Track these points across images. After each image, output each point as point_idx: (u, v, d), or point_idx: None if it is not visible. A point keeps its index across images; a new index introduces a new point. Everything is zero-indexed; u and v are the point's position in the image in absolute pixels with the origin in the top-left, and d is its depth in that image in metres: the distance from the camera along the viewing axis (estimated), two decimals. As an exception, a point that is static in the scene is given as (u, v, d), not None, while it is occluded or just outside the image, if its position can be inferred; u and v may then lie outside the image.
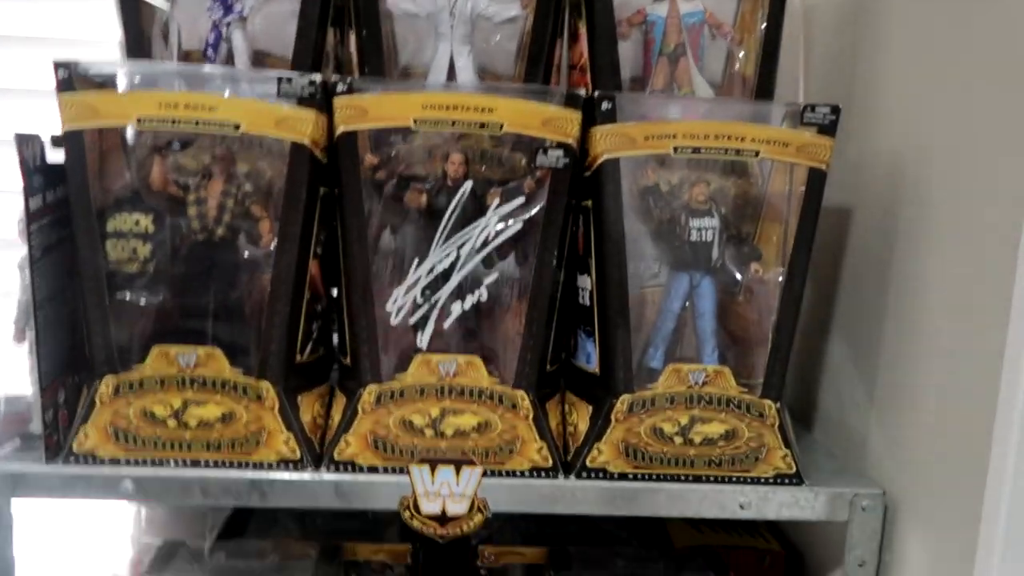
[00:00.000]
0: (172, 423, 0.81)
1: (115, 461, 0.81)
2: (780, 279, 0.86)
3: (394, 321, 0.82)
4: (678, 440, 0.85)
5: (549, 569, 1.00)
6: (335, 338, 0.91)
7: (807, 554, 1.10)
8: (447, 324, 0.83)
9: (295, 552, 1.01)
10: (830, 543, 1.04)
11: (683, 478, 0.85)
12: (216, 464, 0.82)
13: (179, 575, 0.96)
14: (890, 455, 0.89)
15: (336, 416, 0.86)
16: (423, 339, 0.83)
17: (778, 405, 0.86)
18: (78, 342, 0.84)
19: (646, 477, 0.85)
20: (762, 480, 0.86)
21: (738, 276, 0.89)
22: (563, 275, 0.88)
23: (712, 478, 0.85)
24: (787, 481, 0.86)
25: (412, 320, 0.83)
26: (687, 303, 0.88)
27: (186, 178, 0.83)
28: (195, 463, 0.82)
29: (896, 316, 0.89)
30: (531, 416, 0.84)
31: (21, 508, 0.83)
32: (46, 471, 0.80)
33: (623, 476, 0.85)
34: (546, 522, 1.15)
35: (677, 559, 1.06)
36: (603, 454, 0.84)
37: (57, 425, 0.82)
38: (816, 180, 0.85)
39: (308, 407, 0.85)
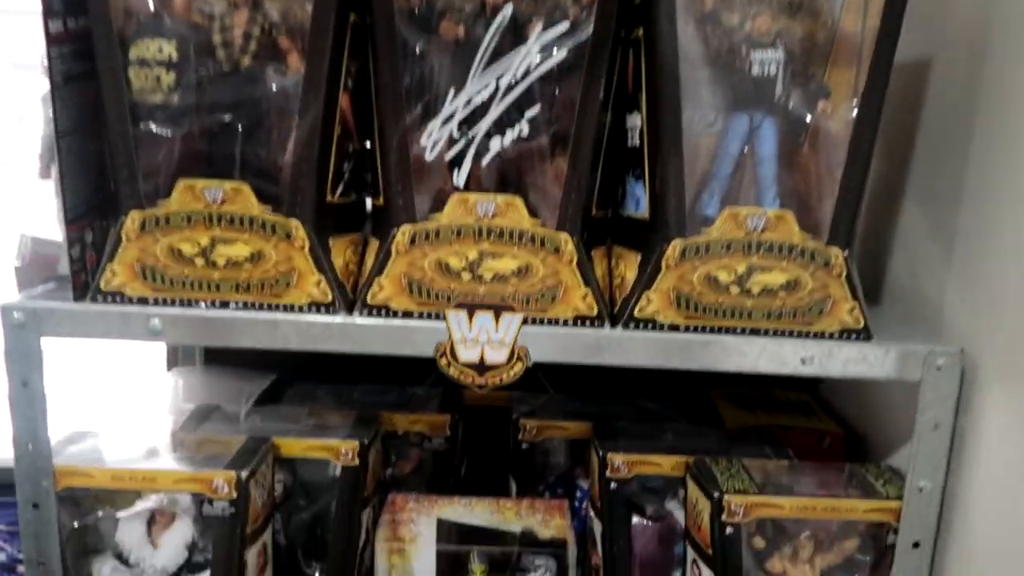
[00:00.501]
0: (200, 262, 0.78)
1: (143, 300, 0.79)
2: (852, 115, 0.78)
3: (429, 157, 0.77)
4: (734, 290, 0.79)
5: (595, 441, 0.96)
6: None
7: (870, 439, 1.04)
8: (485, 162, 0.78)
9: (331, 420, 0.99)
10: (889, 425, 0.98)
11: (741, 331, 0.79)
12: (246, 306, 0.79)
13: (212, 432, 0.94)
14: (969, 317, 0.81)
15: (369, 261, 0.82)
16: (460, 177, 0.78)
17: (846, 253, 0.78)
18: (106, 185, 0.81)
19: (699, 329, 0.79)
20: (827, 335, 0.79)
21: (804, 118, 0.81)
22: (610, 118, 0.81)
23: (772, 332, 0.79)
24: (854, 336, 0.79)
25: (448, 156, 0.77)
26: (746, 147, 0.81)
27: (211, 6, 0.78)
28: (224, 304, 0.79)
29: (979, 175, 0.81)
30: (575, 261, 0.78)
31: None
32: (74, 309, 0.78)
33: (674, 327, 0.79)
34: (589, 399, 1.11)
35: (730, 435, 1.01)
36: (652, 303, 0.79)
37: (85, 264, 0.80)
38: (894, 6, 0.76)
39: (340, 251, 0.81)
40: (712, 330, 0.79)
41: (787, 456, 0.95)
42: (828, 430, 1.05)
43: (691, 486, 0.90)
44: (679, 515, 0.98)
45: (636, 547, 0.98)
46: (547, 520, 0.98)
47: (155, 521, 0.88)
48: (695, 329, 0.79)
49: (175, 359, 1.22)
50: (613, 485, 0.94)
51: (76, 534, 0.87)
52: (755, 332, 0.79)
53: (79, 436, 0.90)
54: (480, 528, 0.99)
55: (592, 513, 1.00)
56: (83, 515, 0.87)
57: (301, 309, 0.78)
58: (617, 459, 0.93)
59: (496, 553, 0.96)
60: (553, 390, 1.14)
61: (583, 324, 0.79)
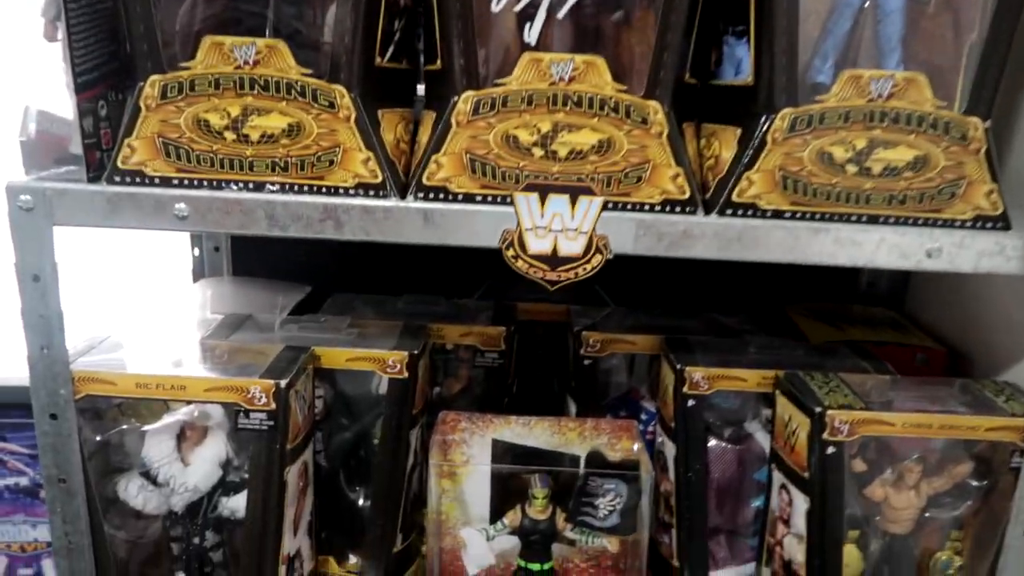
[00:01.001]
0: (230, 136, 0.67)
1: (166, 181, 0.68)
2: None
3: (495, 7, 0.66)
4: (851, 169, 0.67)
5: (670, 354, 0.86)
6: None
7: (973, 356, 0.93)
8: (562, 13, 0.66)
9: (375, 330, 0.89)
10: (998, 341, 0.87)
11: (856, 218, 0.68)
12: (283, 188, 0.68)
13: (244, 341, 0.85)
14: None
15: (424, 137, 0.71)
16: (531, 33, 0.66)
17: (986, 125, 0.67)
18: (120, 47, 0.71)
19: (808, 216, 0.68)
20: (958, 223, 0.68)
21: (935, -32, 0.68)
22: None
23: (894, 219, 0.68)
24: (990, 225, 0.68)
25: (517, 7, 0.66)
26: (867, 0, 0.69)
27: None
28: (259, 187, 0.69)
29: None
30: (665, 134, 0.67)
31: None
32: (88, 191, 0.68)
33: (778, 214, 0.68)
34: (654, 313, 1.00)
35: (819, 350, 0.90)
36: (754, 185, 0.68)
37: (99, 140, 0.70)
38: None
39: (390, 126, 0.70)
40: (823, 217, 0.68)
41: (887, 371, 0.85)
42: (924, 346, 0.95)
43: (782, 402, 0.80)
44: (760, 438, 0.89)
45: (713, 472, 0.88)
46: (615, 442, 0.89)
47: (185, 436, 0.80)
48: (803, 216, 0.68)
49: (201, 270, 1.13)
50: (691, 403, 0.84)
51: (99, 449, 0.79)
52: (873, 220, 0.68)
53: (99, 342, 0.81)
54: (540, 450, 0.89)
55: (663, 435, 0.91)
56: (106, 428, 0.78)
57: (347, 192, 0.68)
58: (696, 373, 0.83)
59: (559, 477, 0.88)
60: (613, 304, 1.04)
61: (672, 210, 0.68)
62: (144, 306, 1.02)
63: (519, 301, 1.03)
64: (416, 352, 0.84)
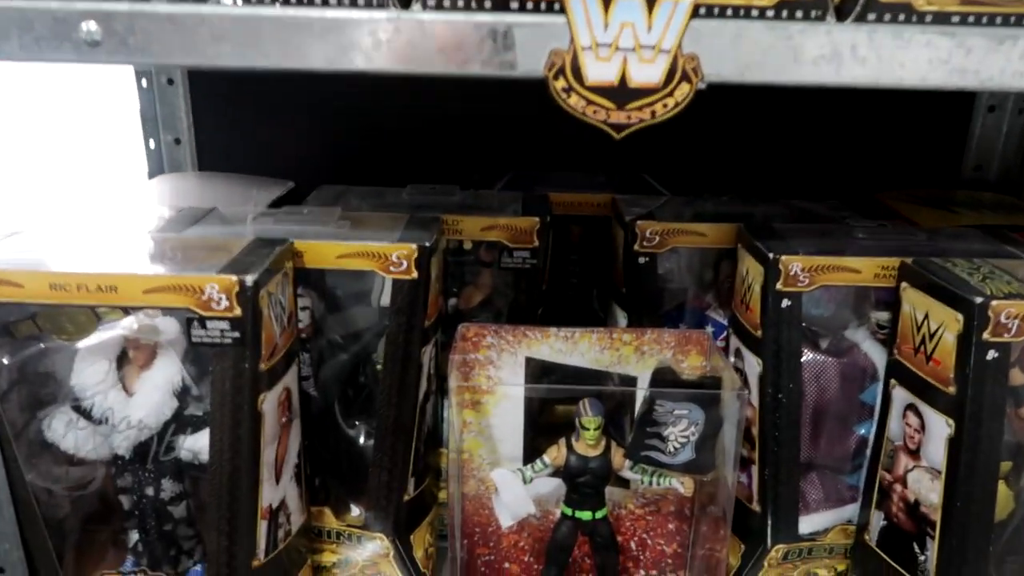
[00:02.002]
0: (153, -83, 0.47)
1: (65, -11, 0.48)
2: None
3: None
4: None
5: (754, 242, 0.67)
6: None
7: None
8: None
9: (374, 222, 0.70)
10: None
11: (1054, 20, 0.48)
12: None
13: (201, 234, 0.66)
14: None
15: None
16: None
17: None
18: None
19: (981, 21, 0.48)
20: None
21: None
22: None
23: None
24: None
25: None
26: None
27: None
28: (199, -6, 0.48)
29: None
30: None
31: None
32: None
33: (942, 18, 0.48)
34: (721, 201, 0.81)
35: (945, 235, 0.71)
36: (911, -25, 0.47)
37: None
38: None
39: None
40: (1001, 21, 0.48)
41: (1041, 258, 0.66)
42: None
43: (912, 297, 0.61)
44: (868, 348, 0.70)
45: (807, 393, 0.70)
46: (681, 358, 0.70)
47: (127, 358, 0.61)
48: (975, 20, 0.48)
49: (159, 168, 0.93)
50: (786, 303, 0.65)
51: (13, 376, 0.60)
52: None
53: (7, 237, 0.62)
54: (587, 371, 0.71)
55: (741, 349, 0.72)
56: (19, 349, 0.59)
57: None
58: (794, 264, 0.64)
59: (614, 402, 0.69)
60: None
61: (792, 14, 0.48)
62: (79, 205, 0.82)
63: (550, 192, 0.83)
64: (427, 245, 0.65)
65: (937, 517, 0.61)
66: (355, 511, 0.74)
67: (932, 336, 0.59)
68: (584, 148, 0.81)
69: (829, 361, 0.69)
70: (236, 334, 0.56)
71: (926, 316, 0.59)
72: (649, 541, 0.78)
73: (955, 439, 0.58)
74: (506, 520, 0.67)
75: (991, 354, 0.55)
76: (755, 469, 0.73)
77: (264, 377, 0.58)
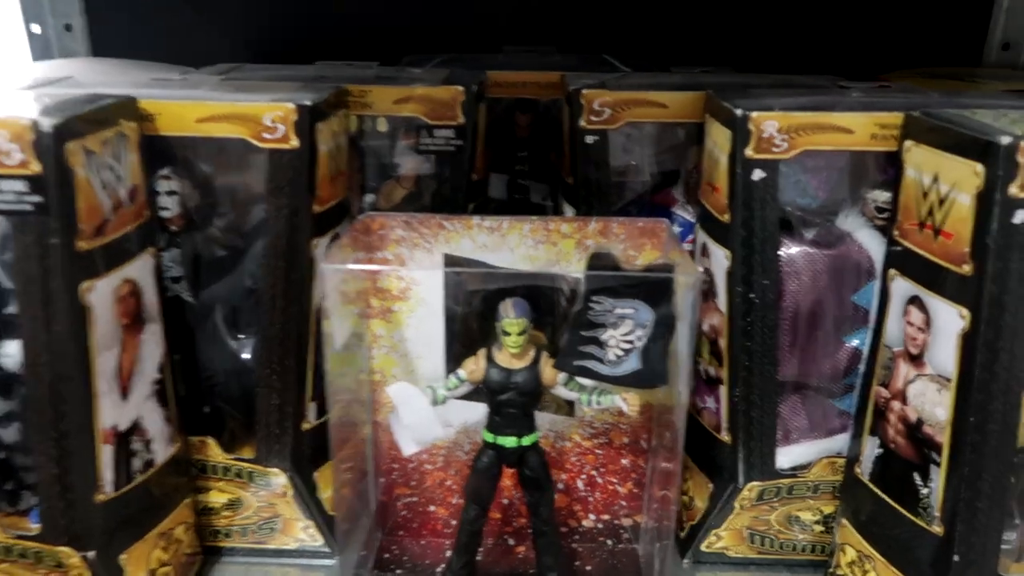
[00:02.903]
0: None
1: None
2: None
3: None
4: None
5: (722, 103, 0.53)
6: None
7: None
8: None
9: (257, 87, 0.57)
10: None
11: None
12: None
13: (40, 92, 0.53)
14: None
15: None
16: None
17: None
18: None
19: None
20: None
21: None
22: None
23: None
24: None
25: None
26: None
27: None
28: None
29: None
30: None
31: None
32: None
33: None
34: (700, 70, 0.67)
35: (960, 92, 0.57)
36: None
37: None
38: None
39: None
40: None
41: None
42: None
43: (919, 156, 0.48)
44: (863, 238, 0.57)
45: (787, 295, 0.57)
46: (634, 254, 0.57)
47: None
48: None
49: (46, 49, 0.80)
50: (758, 175, 0.52)
51: None
52: None
53: None
54: (520, 273, 0.58)
55: (708, 243, 0.59)
56: None
57: None
58: (768, 123, 0.51)
59: (547, 299, 0.57)
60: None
61: None
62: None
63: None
64: (309, 104, 0.52)
65: (944, 438, 0.48)
66: (244, 443, 0.62)
67: (942, 203, 0.45)
68: (535, 24, 0.68)
69: (814, 254, 0.56)
70: (37, 198, 0.43)
71: (935, 179, 0.46)
72: (600, 480, 0.66)
73: (970, 334, 0.45)
74: (408, 446, 0.54)
75: (1020, 215, 0.42)
76: (723, 391, 0.60)
77: (86, 260, 0.46)
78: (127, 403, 0.52)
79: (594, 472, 0.65)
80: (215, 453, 0.61)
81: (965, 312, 0.45)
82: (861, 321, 0.57)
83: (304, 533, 0.64)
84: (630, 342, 0.52)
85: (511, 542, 0.67)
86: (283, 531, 0.64)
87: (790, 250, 0.56)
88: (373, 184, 0.66)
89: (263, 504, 0.63)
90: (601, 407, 0.54)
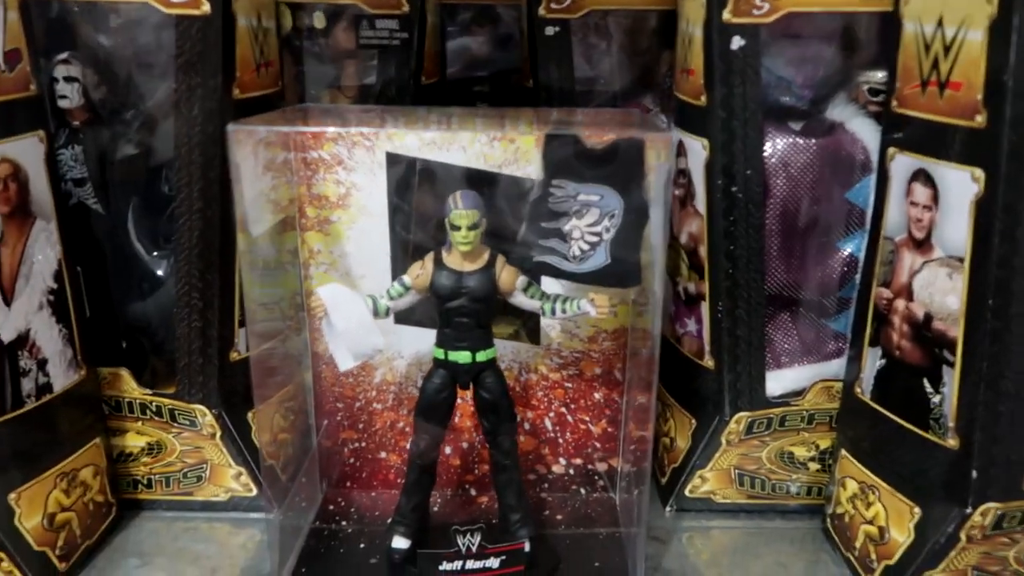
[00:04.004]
0: None
1: None
2: None
3: None
4: None
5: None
6: None
7: None
8: None
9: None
10: None
11: None
12: None
13: None
14: None
15: None
16: None
17: None
18: None
19: None
20: None
21: None
22: None
23: None
24: None
25: None
26: None
27: None
28: None
29: None
30: None
31: None
32: None
33: None
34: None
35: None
36: None
37: None
38: None
39: None
40: None
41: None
42: None
43: (918, 7, 0.42)
44: (857, 127, 0.51)
45: (777, 187, 0.51)
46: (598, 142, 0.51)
47: None
48: None
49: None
50: (737, 44, 0.46)
51: None
52: None
53: None
54: (473, 171, 0.52)
55: (684, 138, 0.53)
56: None
57: None
58: (749, -19, 0.45)
59: (497, 194, 0.50)
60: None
61: None
62: None
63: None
64: (226, -33, 0.46)
65: (958, 331, 0.41)
66: (162, 375, 0.55)
67: (948, 50, 0.39)
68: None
69: (803, 144, 0.50)
70: None
71: (939, 23, 0.40)
72: (570, 418, 0.58)
73: (985, 199, 0.39)
74: (343, 359, 0.47)
75: (1043, 50, 0.36)
76: (705, 308, 0.53)
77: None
78: (10, 310, 0.44)
79: (563, 409, 0.57)
80: (130, 388, 0.54)
81: (979, 173, 0.39)
82: (856, 223, 0.51)
83: (236, 482, 0.56)
84: (596, 234, 0.45)
85: (472, 492, 0.59)
86: (211, 479, 0.56)
87: (775, 141, 0.50)
88: (314, 93, 0.60)
89: (188, 448, 0.55)
90: (566, 316, 0.47)
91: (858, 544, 0.49)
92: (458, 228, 0.46)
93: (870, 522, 0.48)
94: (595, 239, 0.45)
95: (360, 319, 0.46)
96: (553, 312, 0.48)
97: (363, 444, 0.58)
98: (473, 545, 0.47)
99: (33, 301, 0.46)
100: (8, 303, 0.44)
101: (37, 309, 0.46)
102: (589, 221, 0.45)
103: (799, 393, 0.54)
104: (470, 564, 0.47)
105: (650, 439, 0.50)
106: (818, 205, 0.51)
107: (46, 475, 0.48)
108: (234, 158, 0.43)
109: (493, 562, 0.47)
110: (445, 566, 0.47)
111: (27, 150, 0.44)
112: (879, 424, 0.48)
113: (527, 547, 0.49)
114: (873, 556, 0.48)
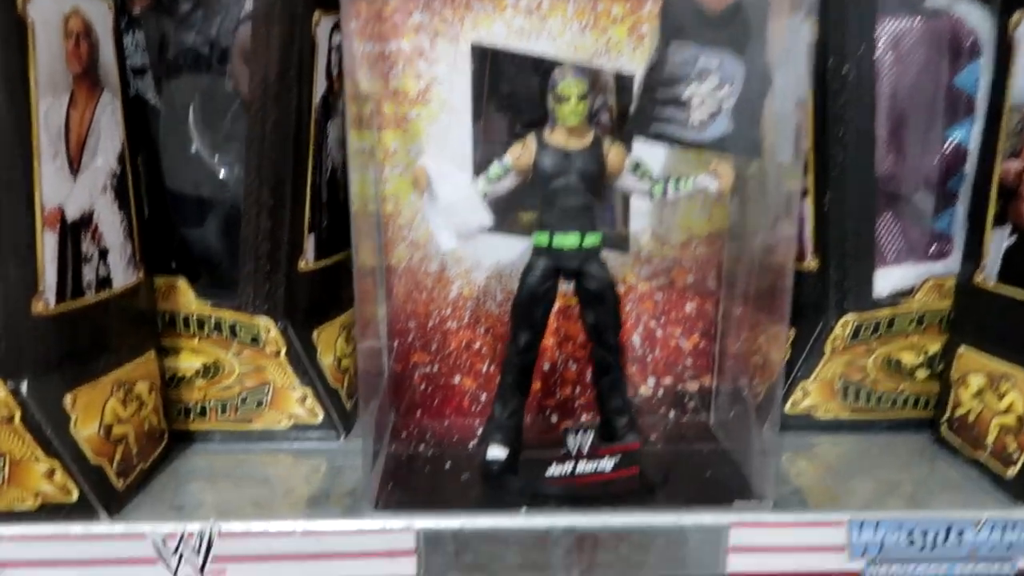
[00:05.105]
0: None
1: None
2: None
3: None
4: None
5: None
6: None
7: None
8: None
9: None
10: None
11: None
12: None
13: None
14: None
15: None
16: None
17: None
18: None
19: None
20: None
21: None
22: None
23: None
24: None
25: None
26: None
27: None
28: None
29: None
30: None
31: None
32: None
33: None
34: None
35: None
36: None
37: None
38: None
39: None
40: None
41: None
42: None
43: None
44: (965, 11, 0.49)
45: (884, 72, 0.49)
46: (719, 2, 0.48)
47: None
48: None
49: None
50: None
51: None
52: None
53: None
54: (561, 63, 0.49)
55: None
56: None
57: None
58: None
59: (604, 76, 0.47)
60: None
61: None
62: None
63: None
64: None
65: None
66: (223, 288, 0.50)
67: None
68: None
69: (908, 27, 0.48)
70: None
71: None
72: (659, 332, 0.55)
73: None
74: (448, 239, 0.43)
75: None
76: (808, 205, 0.51)
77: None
78: (76, 183, 0.40)
79: (653, 323, 0.54)
80: (187, 300, 0.49)
81: None
82: (964, 110, 0.49)
83: (300, 406, 0.51)
84: (717, 102, 0.42)
85: (554, 418, 0.56)
86: (273, 404, 0.51)
87: (884, 21, 0.48)
88: None
89: (247, 369, 0.50)
90: (680, 194, 0.44)
91: (990, 440, 0.46)
92: (567, 99, 0.42)
93: (1005, 412, 0.45)
94: (716, 107, 0.42)
95: (464, 192, 0.42)
96: (664, 192, 0.44)
97: (434, 368, 0.54)
98: (585, 445, 0.43)
99: (98, 181, 0.41)
100: (75, 172, 0.39)
101: (101, 191, 0.42)
102: (709, 87, 0.42)
103: (908, 292, 0.51)
104: (581, 466, 0.43)
105: (782, 354, 0.46)
106: (926, 90, 0.49)
107: (103, 379, 0.43)
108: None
109: (607, 464, 0.43)
110: (554, 470, 0.43)
111: (98, 12, 0.40)
112: (1010, 309, 0.45)
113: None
114: (1012, 447, 0.45)
